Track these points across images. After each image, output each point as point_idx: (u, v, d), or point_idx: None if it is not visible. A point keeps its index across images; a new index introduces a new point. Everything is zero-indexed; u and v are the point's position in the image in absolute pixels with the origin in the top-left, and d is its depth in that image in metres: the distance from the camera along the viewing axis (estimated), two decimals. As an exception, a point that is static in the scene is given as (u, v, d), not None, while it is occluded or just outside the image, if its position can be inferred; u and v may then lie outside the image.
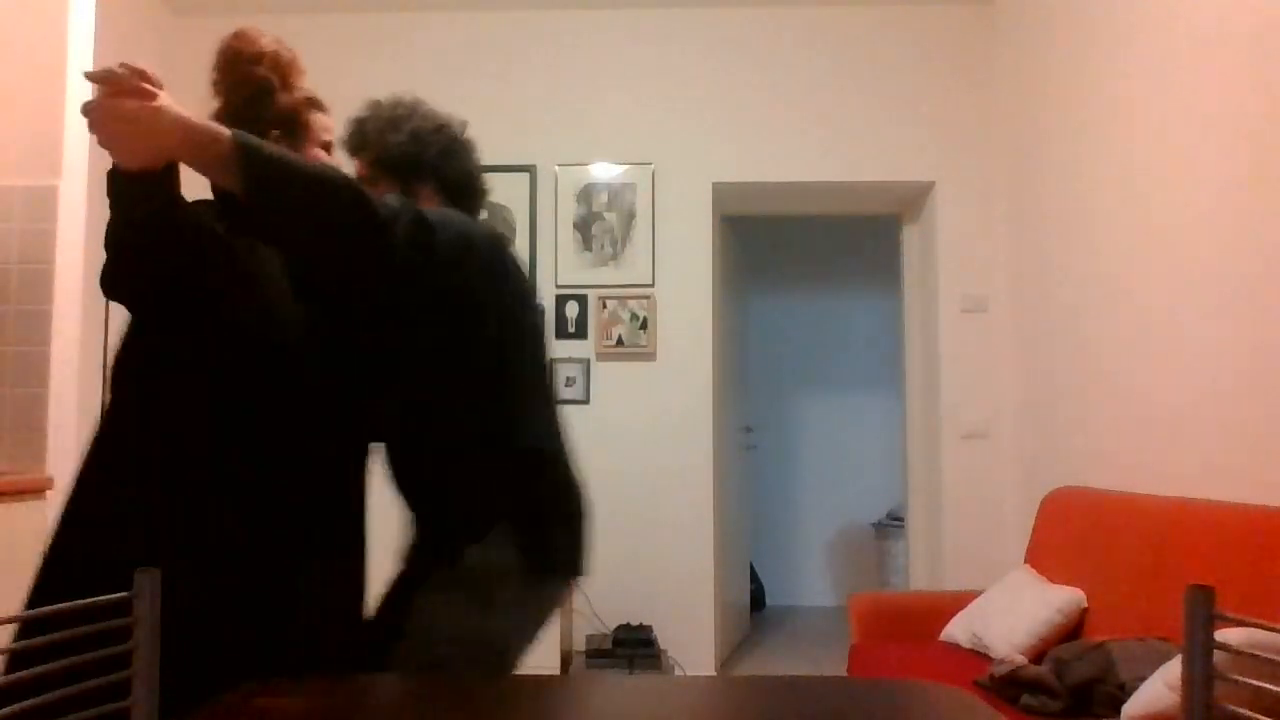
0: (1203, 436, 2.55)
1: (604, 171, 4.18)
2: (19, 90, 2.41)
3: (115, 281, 1.67)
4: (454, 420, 1.61)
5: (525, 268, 1.87)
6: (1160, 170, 2.77)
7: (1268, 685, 0.83)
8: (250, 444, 1.49)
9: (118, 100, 1.36)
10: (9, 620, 0.82)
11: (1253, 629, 1.53)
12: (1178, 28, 2.68)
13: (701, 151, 4.20)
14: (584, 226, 4.17)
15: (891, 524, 5.59)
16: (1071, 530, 2.84)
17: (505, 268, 1.70)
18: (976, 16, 4.18)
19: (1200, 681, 0.83)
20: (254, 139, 1.36)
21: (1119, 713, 1.88)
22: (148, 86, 1.36)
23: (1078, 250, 3.32)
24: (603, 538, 4.02)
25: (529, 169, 4.18)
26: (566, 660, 3.75)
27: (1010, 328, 4.01)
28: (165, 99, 1.38)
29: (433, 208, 1.70)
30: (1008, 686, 2.21)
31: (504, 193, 4.18)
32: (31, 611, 0.87)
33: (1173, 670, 1.80)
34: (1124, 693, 2.00)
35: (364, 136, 1.87)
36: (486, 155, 4.61)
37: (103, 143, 1.38)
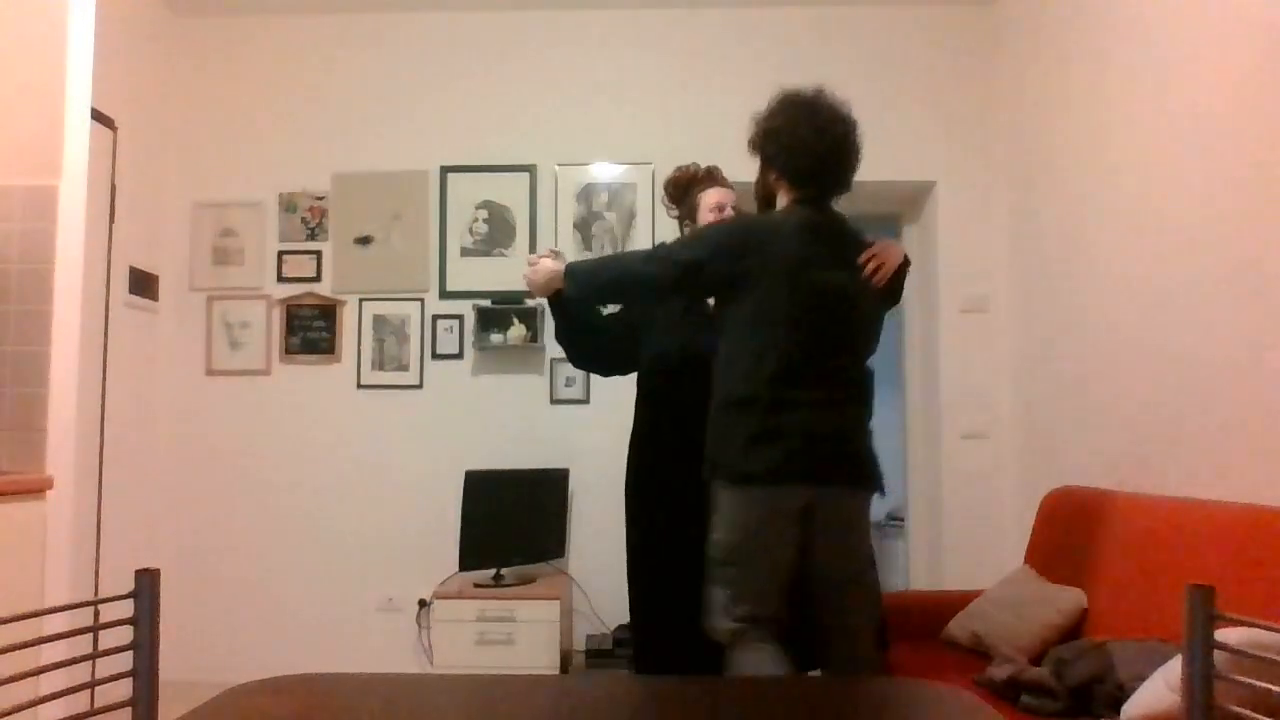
0: (1203, 436, 2.55)
1: (604, 171, 4.18)
2: (19, 90, 2.41)
3: (575, 360, 2.83)
4: None
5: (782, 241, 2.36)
6: (1160, 169, 2.77)
7: (1268, 685, 0.83)
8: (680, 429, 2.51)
9: (530, 271, 2.57)
10: (9, 620, 0.82)
11: (1253, 629, 1.53)
12: (1178, 27, 2.68)
13: (701, 151, 4.19)
14: (584, 226, 4.17)
15: (891, 524, 5.59)
16: (1071, 530, 2.84)
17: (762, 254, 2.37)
18: (977, 16, 4.17)
19: (1200, 681, 0.83)
20: (580, 264, 2.53)
21: (1119, 713, 1.88)
22: (543, 259, 2.56)
23: (1078, 250, 3.32)
24: (603, 538, 4.03)
25: (529, 169, 4.18)
26: (566, 660, 3.75)
27: (1010, 328, 4.01)
28: (548, 264, 2.53)
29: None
30: (1008, 687, 2.21)
31: (504, 193, 4.19)
32: (31, 611, 0.87)
33: (1173, 670, 1.80)
34: (1124, 693, 2.00)
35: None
36: (486, 155, 4.63)
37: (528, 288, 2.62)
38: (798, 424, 2.19)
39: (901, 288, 2.47)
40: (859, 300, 2.32)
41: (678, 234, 2.86)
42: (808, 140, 2.36)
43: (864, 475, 2.27)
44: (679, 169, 2.95)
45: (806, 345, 2.23)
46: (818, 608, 2.32)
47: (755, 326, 2.26)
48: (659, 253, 2.40)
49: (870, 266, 2.33)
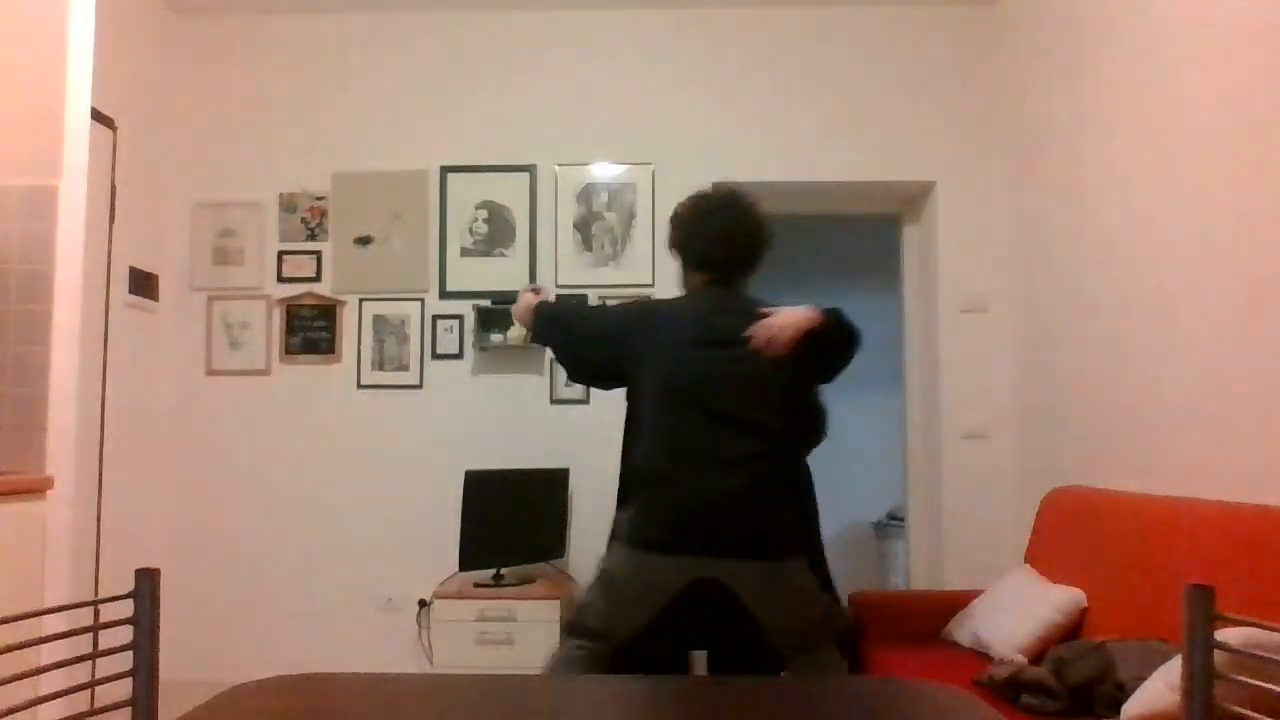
0: (1203, 436, 2.55)
1: (604, 171, 4.18)
2: (19, 90, 2.41)
3: (572, 376, 2.77)
4: None
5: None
6: (1160, 169, 2.77)
7: (1268, 685, 0.83)
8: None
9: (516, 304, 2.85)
10: (9, 620, 0.82)
11: (1253, 629, 1.53)
12: (1178, 27, 2.68)
13: (701, 151, 4.20)
14: (584, 226, 4.17)
15: (891, 524, 5.59)
16: (1071, 530, 2.84)
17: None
18: (976, 17, 4.18)
19: (1200, 681, 0.83)
20: (543, 312, 2.77)
21: (1119, 713, 1.88)
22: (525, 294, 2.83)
23: (1078, 250, 3.33)
24: (603, 538, 4.02)
25: (529, 169, 4.18)
26: (566, 660, 3.75)
27: (1010, 328, 4.01)
28: (529, 298, 2.80)
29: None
30: (1008, 687, 2.21)
31: (504, 193, 4.19)
32: (31, 611, 0.87)
33: (1173, 670, 1.80)
34: (1124, 693, 2.00)
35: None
36: (486, 155, 4.63)
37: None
38: (678, 500, 2.37)
39: (827, 350, 2.50)
40: (754, 375, 2.42)
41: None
42: (702, 230, 2.60)
43: (750, 547, 2.37)
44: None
45: (690, 422, 2.40)
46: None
47: (645, 401, 2.48)
48: (571, 337, 2.70)
49: (757, 341, 2.41)
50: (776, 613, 2.45)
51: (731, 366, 2.42)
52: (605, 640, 2.52)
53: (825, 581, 2.63)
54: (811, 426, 2.65)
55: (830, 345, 2.49)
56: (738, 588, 2.42)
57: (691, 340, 2.46)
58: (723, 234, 2.58)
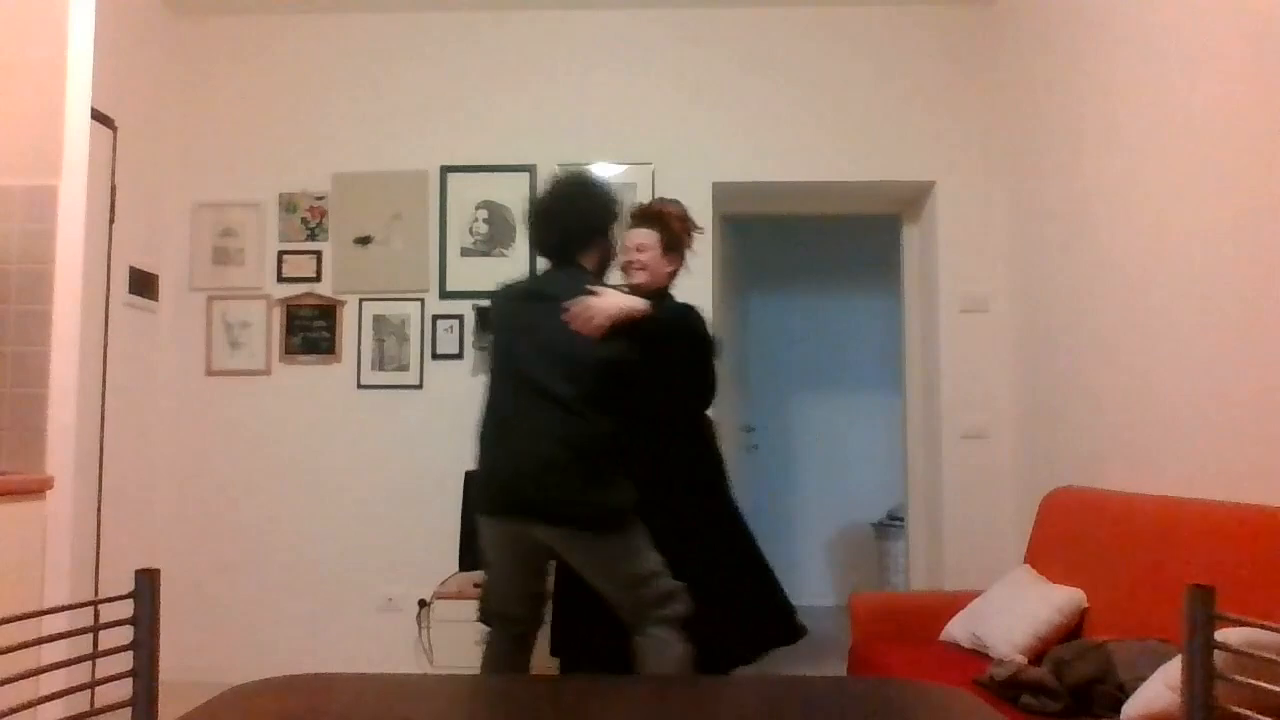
0: (1203, 436, 2.55)
1: (604, 171, 4.18)
2: (19, 90, 2.41)
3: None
4: None
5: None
6: (1160, 169, 2.77)
7: (1268, 685, 0.83)
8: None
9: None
10: (9, 620, 0.82)
11: (1253, 629, 1.53)
12: (1178, 27, 2.68)
13: (701, 151, 4.20)
14: (584, 226, 4.17)
15: (891, 524, 5.59)
16: (1071, 530, 2.84)
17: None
18: (976, 16, 4.18)
19: (1200, 681, 0.83)
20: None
21: (1119, 713, 1.88)
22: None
23: (1078, 250, 3.32)
24: (603, 538, 4.02)
25: (529, 169, 4.18)
26: (566, 660, 3.75)
27: (1010, 328, 4.01)
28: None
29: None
30: (1008, 687, 2.21)
31: (504, 193, 4.19)
32: (31, 611, 0.87)
33: (1172, 670, 1.80)
34: (1124, 693, 2.00)
35: None
36: (486, 155, 4.63)
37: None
38: (499, 465, 2.55)
39: (657, 329, 2.59)
40: (567, 349, 2.54)
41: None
42: (533, 217, 2.73)
43: (558, 514, 2.50)
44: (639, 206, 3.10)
45: (507, 392, 2.59)
46: None
47: (488, 377, 2.70)
48: None
49: (569, 316, 2.52)
50: (600, 584, 2.57)
51: (547, 339, 2.56)
52: (509, 620, 2.71)
53: (735, 572, 2.73)
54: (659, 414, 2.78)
55: (653, 342, 2.60)
56: (565, 555, 2.57)
57: (515, 318, 2.64)
58: (545, 217, 2.70)
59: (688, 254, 3.03)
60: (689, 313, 2.76)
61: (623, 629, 2.63)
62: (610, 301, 2.51)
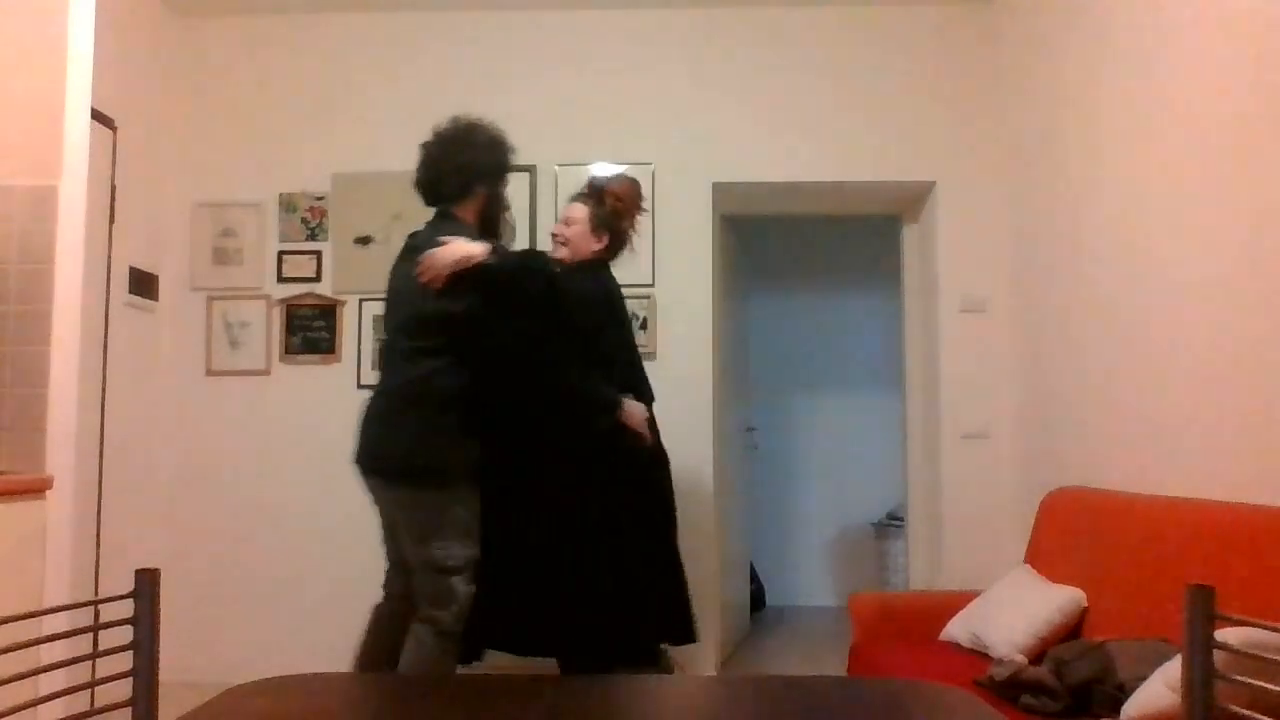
0: (1203, 436, 2.55)
1: (604, 171, 4.17)
2: (19, 90, 2.41)
3: None
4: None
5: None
6: (1160, 169, 2.77)
7: (1268, 685, 0.83)
8: None
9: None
10: (9, 620, 0.82)
11: (1253, 629, 1.53)
12: (1178, 28, 2.68)
13: (701, 151, 4.20)
14: (584, 226, 4.17)
15: (891, 524, 5.59)
16: (1071, 530, 2.84)
17: None
18: (976, 16, 4.17)
19: (1200, 681, 0.83)
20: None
21: (1119, 713, 1.88)
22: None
23: (1078, 250, 3.32)
24: (603, 538, 4.02)
25: (529, 169, 4.18)
26: (566, 660, 3.75)
27: (1010, 328, 4.01)
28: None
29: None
30: (1008, 687, 2.21)
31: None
32: (31, 611, 0.87)
33: (1172, 670, 1.80)
34: (1124, 693, 2.00)
35: None
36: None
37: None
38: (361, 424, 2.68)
39: (492, 277, 2.58)
40: (409, 304, 2.61)
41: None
42: (418, 162, 2.82)
43: (369, 465, 2.61)
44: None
45: (385, 351, 2.70)
46: None
47: None
48: None
49: (419, 268, 2.56)
50: (405, 546, 2.64)
51: (398, 293, 2.65)
52: (386, 589, 2.81)
53: (592, 570, 2.70)
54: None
55: (491, 289, 2.60)
56: (383, 505, 2.69)
57: (392, 277, 2.75)
58: (423, 161, 2.80)
59: (632, 235, 3.05)
60: (527, 259, 2.78)
61: (541, 606, 2.66)
62: (448, 250, 2.52)
